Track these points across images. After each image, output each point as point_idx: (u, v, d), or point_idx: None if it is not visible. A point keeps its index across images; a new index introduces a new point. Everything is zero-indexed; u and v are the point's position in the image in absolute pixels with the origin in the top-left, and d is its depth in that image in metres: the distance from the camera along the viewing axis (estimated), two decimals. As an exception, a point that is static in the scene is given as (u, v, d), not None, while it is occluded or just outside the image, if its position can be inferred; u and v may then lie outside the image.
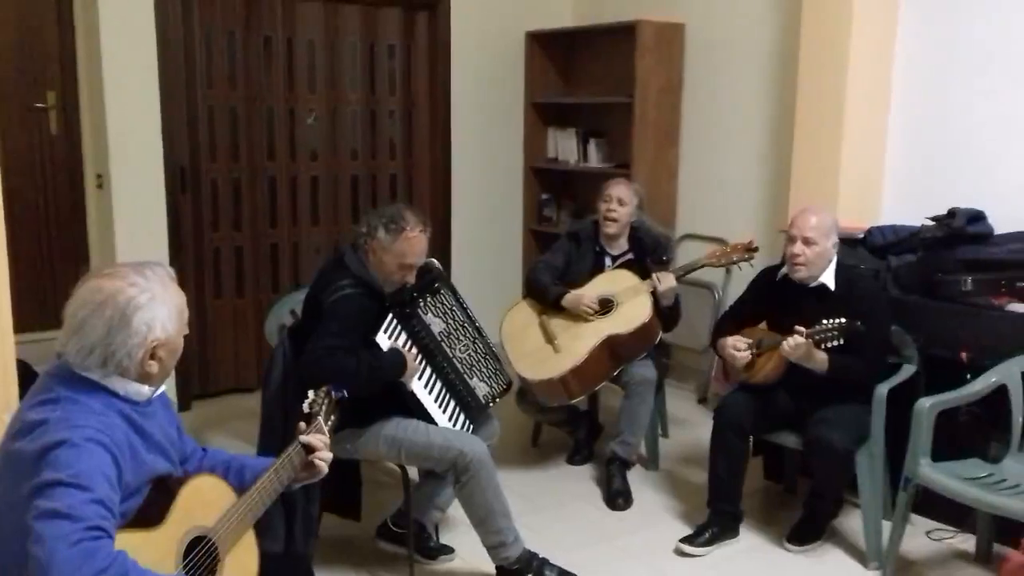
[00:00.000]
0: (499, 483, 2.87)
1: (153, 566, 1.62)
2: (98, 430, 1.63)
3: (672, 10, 4.96)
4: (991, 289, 3.28)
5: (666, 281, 3.62)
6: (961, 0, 3.74)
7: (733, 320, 3.43)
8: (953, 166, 3.81)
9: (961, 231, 3.40)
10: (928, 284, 3.39)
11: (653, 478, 3.88)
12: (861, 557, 3.17)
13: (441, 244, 5.28)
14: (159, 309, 1.73)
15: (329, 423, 2.07)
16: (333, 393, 2.13)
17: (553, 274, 3.86)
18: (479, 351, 3.20)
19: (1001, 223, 3.45)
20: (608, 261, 3.88)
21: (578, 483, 3.83)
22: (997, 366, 3.02)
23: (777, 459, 3.76)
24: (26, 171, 4.99)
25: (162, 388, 1.86)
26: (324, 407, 2.08)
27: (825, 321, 2.98)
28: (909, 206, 3.85)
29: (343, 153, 5.10)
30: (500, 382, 3.24)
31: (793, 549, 3.23)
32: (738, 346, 3.25)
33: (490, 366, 3.22)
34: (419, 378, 2.94)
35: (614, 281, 3.74)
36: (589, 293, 3.69)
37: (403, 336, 2.92)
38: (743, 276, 3.66)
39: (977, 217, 3.45)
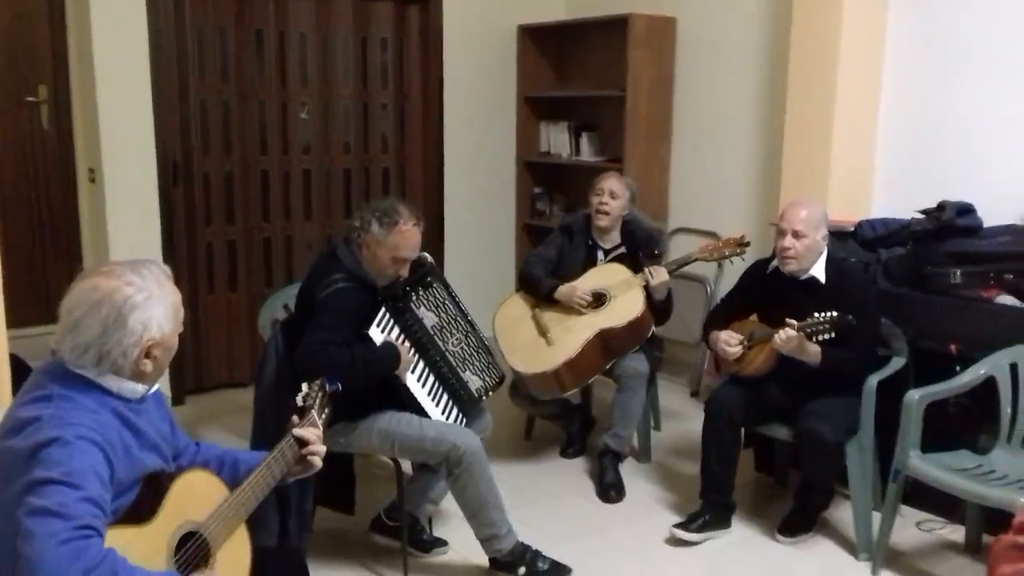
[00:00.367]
0: (492, 476, 2.88)
1: (144, 561, 1.61)
2: (91, 428, 1.63)
3: (663, 4, 4.97)
4: (980, 282, 3.30)
5: (659, 275, 3.63)
6: (951, -5, 3.76)
7: (724, 313, 3.45)
8: (943, 159, 3.83)
9: (951, 224, 3.41)
10: (918, 277, 3.41)
11: (645, 471, 3.89)
12: (851, 548, 3.19)
13: (434, 238, 5.28)
14: (155, 308, 1.73)
15: (323, 417, 2.07)
16: (327, 386, 2.13)
17: (546, 267, 3.86)
18: (472, 344, 3.21)
19: (990, 216, 3.47)
20: (600, 255, 3.89)
21: (571, 476, 3.84)
22: (986, 358, 3.04)
23: (768, 451, 3.78)
24: (18, 165, 4.97)
25: (156, 386, 1.86)
26: (318, 401, 2.07)
27: (816, 315, 3.00)
28: (899, 199, 3.87)
29: (335, 147, 5.09)
30: (493, 375, 3.25)
31: (784, 540, 3.26)
32: (730, 342, 3.26)
33: (483, 359, 3.23)
34: (412, 372, 2.95)
35: (607, 275, 3.75)
36: (582, 286, 3.71)
37: (396, 330, 2.93)
38: (735, 270, 3.68)
39: (967, 210, 3.46)
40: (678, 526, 3.24)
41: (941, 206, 3.48)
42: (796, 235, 3.15)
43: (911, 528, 3.33)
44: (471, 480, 2.83)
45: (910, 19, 3.90)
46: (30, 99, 4.97)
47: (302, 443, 1.97)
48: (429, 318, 3.07)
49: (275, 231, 4.94)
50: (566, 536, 3.27)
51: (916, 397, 2.94)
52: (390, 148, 5.32)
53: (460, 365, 3.13)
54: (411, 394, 2.92)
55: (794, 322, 3.02)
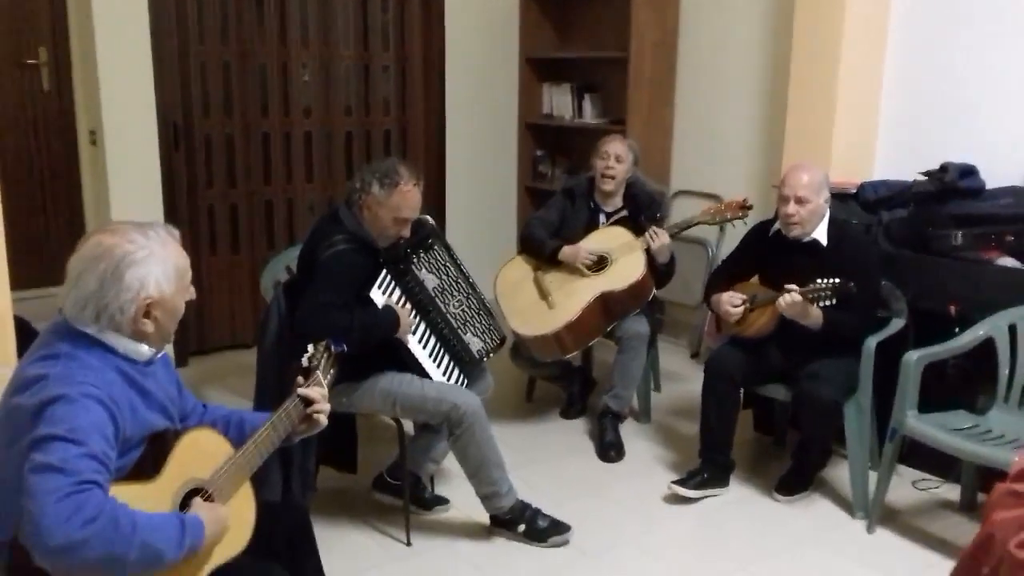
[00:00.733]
0: (492, 435, 2.91)
1: (148, 516, 1.64)
2: (95, 386, 1.65)
3: (667, -37, 4.91)
4: (981, 243, 3.30)
5: (660, 238, 3.63)
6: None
7: (726, 275, 3.45)
8: (945, 121, 3.81)
9: (953, 186, 3.41)
10: (919, 239, 3.41)
11: (645, 431, 3.93)
12: (848, 507, 3.23)
13: (435, 200, 5.27)
14: (154, 267, 1.74)
15: (328, 377, 2.09)
16: (332, 347, 2.14)
17: (548, 230, 3.86)
18: (473, 307, 3.22)
19: (993, 178, 3.46)
20: (602, 218, 3.89)
21: (571, 436, 3.88)
22: (985, 320, 3.05)
23: (767, 412, 3.81)
24: (19, 128, 4.96)
25: (163, 351, 1.87)
26: (323, 361, 2.09)
27: (819, 281, 3.00)
28: (901, 161, 3.86)
29: (337, 109, 5.07)
30: (494, 337, 3.27)
31: (781, 499, 3.30)
32: (733, 302, 3.28)
33: (484, 321, 3.25)
34: (413, 333, 2.96)
35: (608, 238, 3.75)
36: (585, 248, 3.71)
37: (397, 292, 2.95)
38: (737, 233, 3.68)
39: (969, 172, 3.45)
40: (676, 482, 3.27)
41: (944, 168, 3.47)
42: (799, 201, 3.14)
43: (907, 487, 3.37)
44: (472, 439, 2.86)
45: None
46: (30, 61, 4.95)
47: (307, 402, 1.99)
48: (430, 280, 3.08)
49: (276, 193, 4.94)
50: (566, 495, 3.31)
51: (914, 358, 2.96)
52: (391, 110, 5.30)
53: (461, 327, 3.15)
54: (412, 355, 2.94)
55: (795, 287, 3.03)
